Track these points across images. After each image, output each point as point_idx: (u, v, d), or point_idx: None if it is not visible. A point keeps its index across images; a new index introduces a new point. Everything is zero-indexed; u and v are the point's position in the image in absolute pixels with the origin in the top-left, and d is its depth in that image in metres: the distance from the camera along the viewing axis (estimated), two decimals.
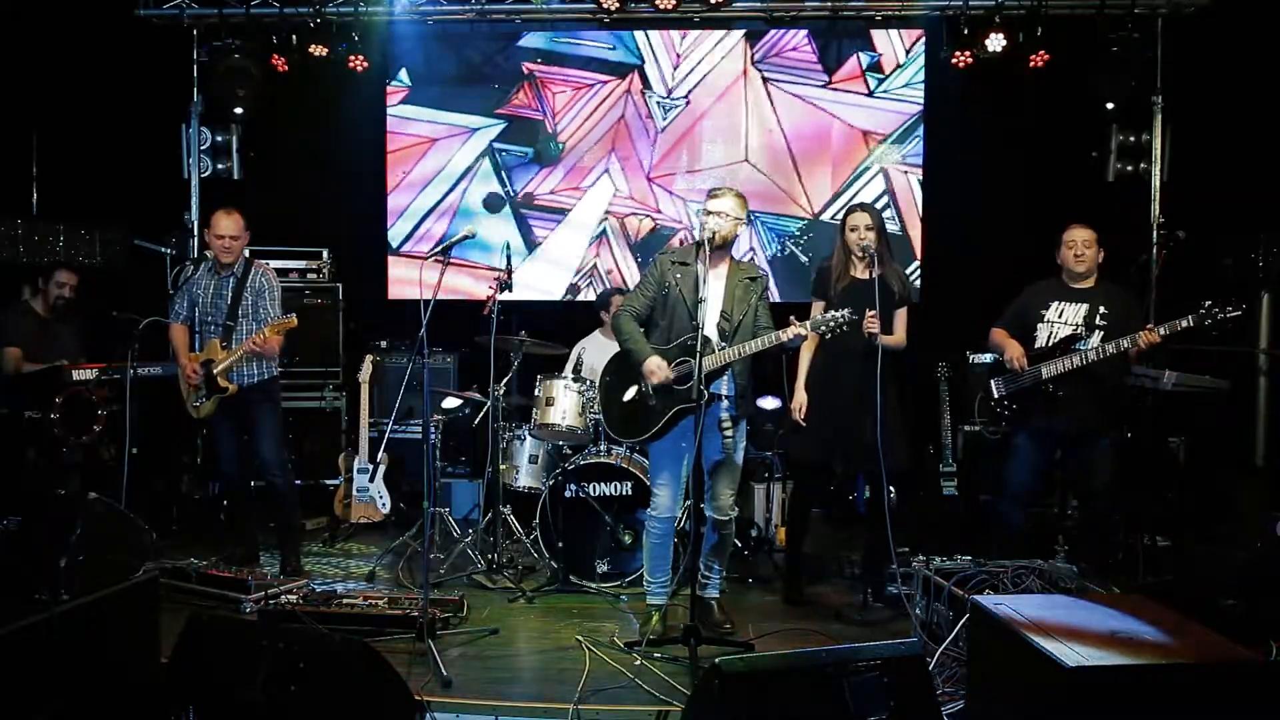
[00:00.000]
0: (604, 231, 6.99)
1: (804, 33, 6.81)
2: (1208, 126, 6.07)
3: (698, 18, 6.63)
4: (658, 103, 6.92)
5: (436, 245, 6.38)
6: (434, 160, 7.05)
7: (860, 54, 6.81)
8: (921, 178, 6.81)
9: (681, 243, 6.69)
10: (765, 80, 6.87)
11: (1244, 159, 5.80)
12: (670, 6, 6.29)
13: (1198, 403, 5.30)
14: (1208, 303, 3.92)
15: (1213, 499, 5.56)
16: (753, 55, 6.86)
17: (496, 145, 7.02)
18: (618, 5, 6.30)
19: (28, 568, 2.91)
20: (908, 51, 6.78)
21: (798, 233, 6.91)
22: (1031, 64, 6.07)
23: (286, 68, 6.41)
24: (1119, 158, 6.31)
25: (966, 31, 6.15)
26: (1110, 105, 6.16)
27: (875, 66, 6.81)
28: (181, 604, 4.11)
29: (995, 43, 6.04)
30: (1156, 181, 6.27)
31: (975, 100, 6.42)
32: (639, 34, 6.91)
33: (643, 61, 6.93)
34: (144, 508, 4.46)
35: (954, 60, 6.24)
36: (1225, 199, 5.90)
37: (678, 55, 6.90)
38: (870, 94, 6.82)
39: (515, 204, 7.02)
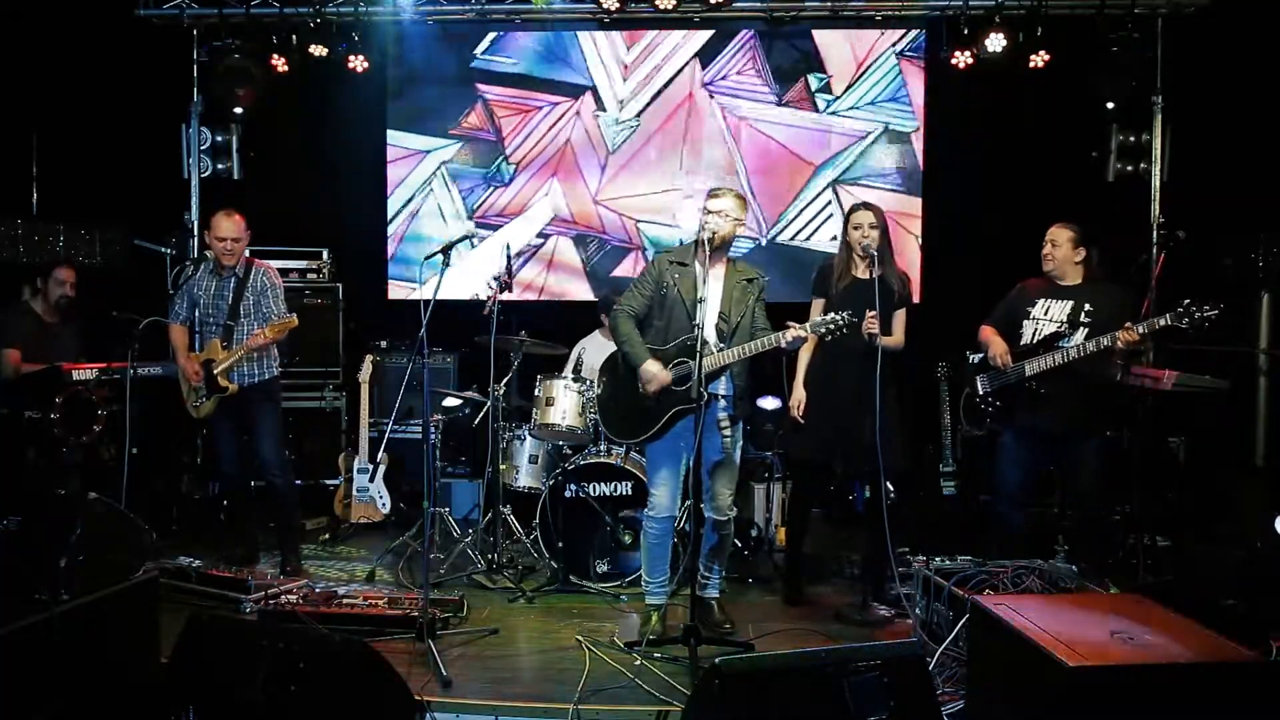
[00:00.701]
0: (547, 237, 7.05)
1: (750, 55, 6.83)
2: (1208, 126, 6.06)
3: (698, 18, 6.63)
4: (608, 125, 6.96)
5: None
6: (390, 179, 7.09)
7: (810, 75, 6.84)
8: (920, 196, 6.84)
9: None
10: (715, 101, 6.90)
11: (1244, 159, 5.80)
12: (670, 7, 6.29)
13: (1198, 403, 5.30)
14: (1186, 301, 3.94)
15: (1213, 499, 5.56)
16: (703, 77, 6.89)
17: (449, 166, 7.05)
18: (618, 5, 6.30)
19: (28, 568, 2.91)
20: (857, 73, 6.81)
21: (747, 255, 6.89)
22: (1031, 64, 6.07)
23: (286, 68, 6.41)
24: (1119, 158, 6.30)
25: (966, 31, 6.16)
26: (1110, 105, 6.16)
27: (825, 88, 6.84)
28: (181, 604, 4.10)
29: (995, 43, 6.04)
30: (1156, 181, 6.26)
31: (975, 100, 6.42)
32: (591, 55, 6.94)
33: (594, 83, 6.96)
34: (144, 508, 4.45)
35: (954, 60, 6.24)
36: (1225, 199, 5.90)
37: (624, 78, 6.92)
38: (820, 114, 6.86)
39: (468, 223, 7.06)
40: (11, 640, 2.64)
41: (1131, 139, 6.29)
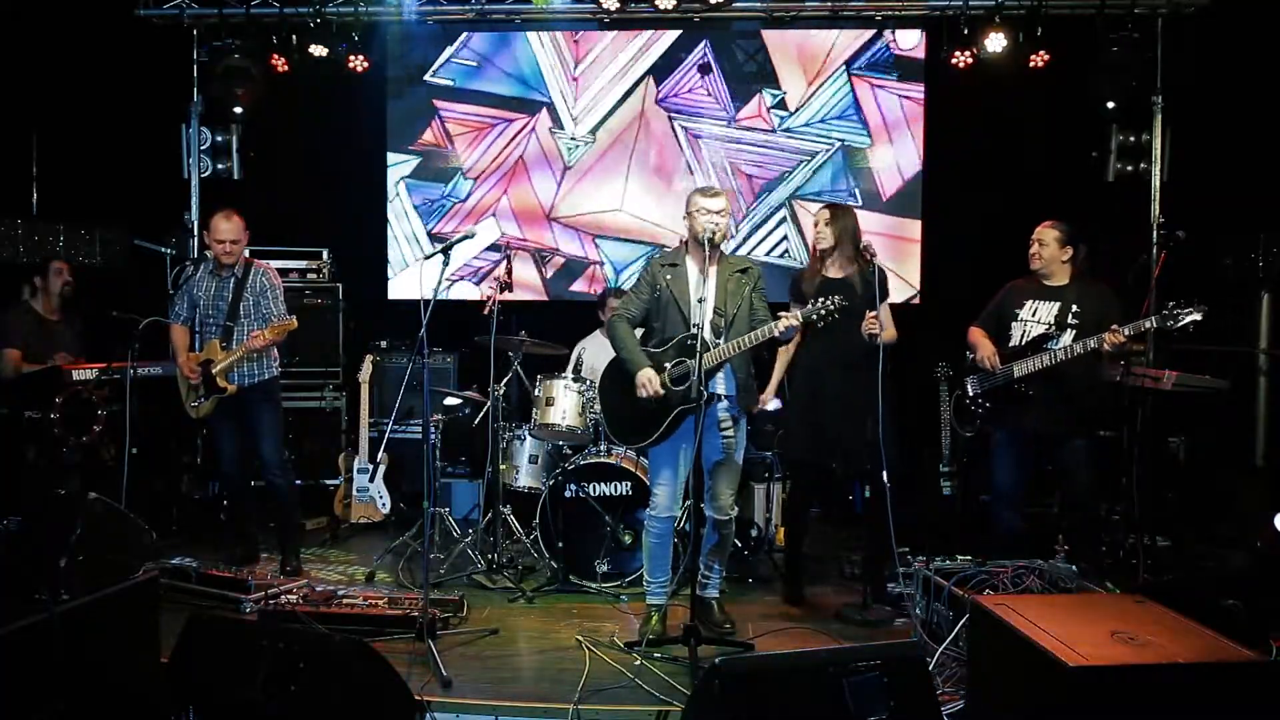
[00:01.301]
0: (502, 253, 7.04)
1: (697, 72, 6.86)
2: (1208, 126, 6.07)
3: (698, 18, 6.63)
4: (564, 141, 6.98)
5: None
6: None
7: (765, 92, 6.86)
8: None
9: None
10: (670, 118, 6.92)
11: (1244, 159, 5.80)
12: (670, 7, 6.29)
13: (1198, 403, 5.30)
14: (1170, 304, 3.96)
15: (1213, 499, 5.56)
16: (657, 94, 6.91)
17: (408, 181, 7.07)
18: (618, 5, 6.30)
19: (28, 568, 2.90)
20: (810, 90, 6.82)
21: None
22: (1031, 64, 6.08)
23: (287, 68, 6.41)
24: (1119, 158, 6.30)
25: (966, 31, 6.16)
26: (1110, 105, 6.16)
27: (780, 104, 6.86)
28: (181, 604, 4.10)
29: (995, 43, 6.04)
30: (1156, 181, 6.26)
31: (975, 101, 6.42)
32: (546, 70, 6.97)
33: (550, 99, 6.98)
34: (144, 508, 4.45)
35: (954, 60, 6.24)
36: (1225, 199, 5.90)
37: (577, 94, 6.95)
38: (773, 131, 6.88)
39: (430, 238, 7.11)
40: (11, 640, 2.63)
41: (1131, 139, 6.28)
